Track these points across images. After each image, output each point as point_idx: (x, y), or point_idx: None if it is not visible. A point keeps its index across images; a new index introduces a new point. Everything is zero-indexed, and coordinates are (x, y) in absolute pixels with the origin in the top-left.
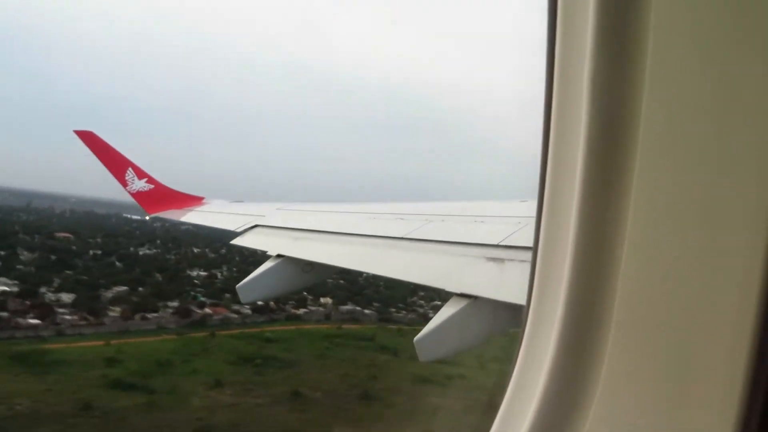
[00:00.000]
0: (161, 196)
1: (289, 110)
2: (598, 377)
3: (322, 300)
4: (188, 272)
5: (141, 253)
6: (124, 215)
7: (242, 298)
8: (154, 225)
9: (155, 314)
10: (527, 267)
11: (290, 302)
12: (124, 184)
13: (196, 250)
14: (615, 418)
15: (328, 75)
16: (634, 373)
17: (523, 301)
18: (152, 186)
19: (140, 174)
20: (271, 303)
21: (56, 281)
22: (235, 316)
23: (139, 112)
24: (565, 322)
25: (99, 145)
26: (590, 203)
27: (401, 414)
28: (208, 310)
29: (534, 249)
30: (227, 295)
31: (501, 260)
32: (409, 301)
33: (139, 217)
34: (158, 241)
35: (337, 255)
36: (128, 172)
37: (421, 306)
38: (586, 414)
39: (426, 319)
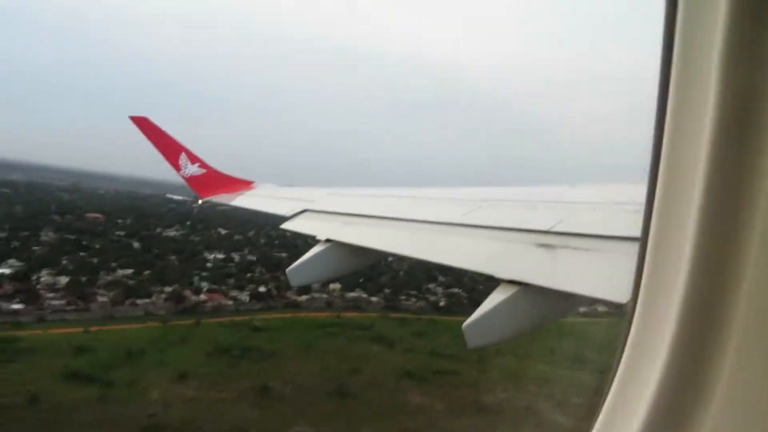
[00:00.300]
0: (213, 180)
1: (341, 94)
2: (717, 382)
3: (331, 286)
4: (205, 255)
5: (165, 234)
6: (167, 195)
7: (291, 281)
8: (192, 206)
9: (147, 300)
10: (578, 254)
11: (291, 289)
12: (178, 168)
13: (223, 232)
14: (736, 427)
15: (378, 58)
16: (760, 381)
17: (574, 289)
18: (204, 170)
19: (193, 159)
20: (273, 290)
21: (63, 263)
22: (231, 302)
23: (192, 97)
24: (683, 320)
25: (153, 130)
26: (715, 201)
27: (373, 413)
28: (203, 297)
29: (642, 245)
30: (231, 281)
31: (552, 246)
32: (424, 288)
33: (180, 198)
34: (188, 223)
35: (386, 240)
36: (181, 157)
37: (434, 293)
38: (703, 420)
39: (436, 308)
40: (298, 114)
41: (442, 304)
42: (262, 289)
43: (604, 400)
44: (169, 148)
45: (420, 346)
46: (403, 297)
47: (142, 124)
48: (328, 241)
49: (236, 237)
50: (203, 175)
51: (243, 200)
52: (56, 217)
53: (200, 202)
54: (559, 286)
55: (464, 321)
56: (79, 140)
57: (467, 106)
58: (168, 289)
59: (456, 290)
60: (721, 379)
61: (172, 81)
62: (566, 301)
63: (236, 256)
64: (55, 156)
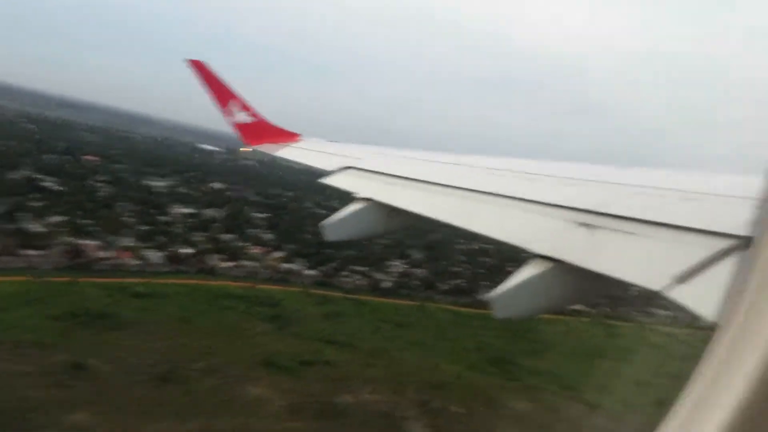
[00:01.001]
0: (260, 129)
1: (398, 59)
2: None
3: (274, 254)
4: (168, 208)
5: (147, 183)
6: (199, 145)
7: (326, 235)
8: (214, 157)
9: (40, 252)
10: (617, 236)
11: (222, 254)
12: (228, 114)
13: (215, 187)
14: None
15: (434, 25)
16: None
17: (608, 272)
18: (253, 119)
19: (243, 106)
20: (191, 255)
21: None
22: (139, 262)
23: (246, 49)
24: None
25: (208, 75)
26: None
27: (183, 406)
28: (105, 254)
29: (753, 250)
30: (162, 238)
31: (592, 226)
32: (382, 264)
33: (211, 148)
34: (190, 174)
35: (424, 204)
36: (232, 103)
37: (389, 272)
38: None
39: (377, 288)
40: (365, 77)
41: (387, 285)
42: (188, 250)
43: (682, 402)
44: (221, 93)
45: (318, 330)
46: (346, 273)
47: (199, 67)
48: (367, 200)
49: (227, 194)
50: (251, 123)
51: (288, 152)
52: (52, 156)
53: (247, 149)
54: (594, 267)
55: (402, 304)
56: (128, 81)
57: (537, 88)
58: (83, 242)
59: (419, 271)
60: None
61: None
62: (599, 282)
63: (208, 213)
64: (102, 94)
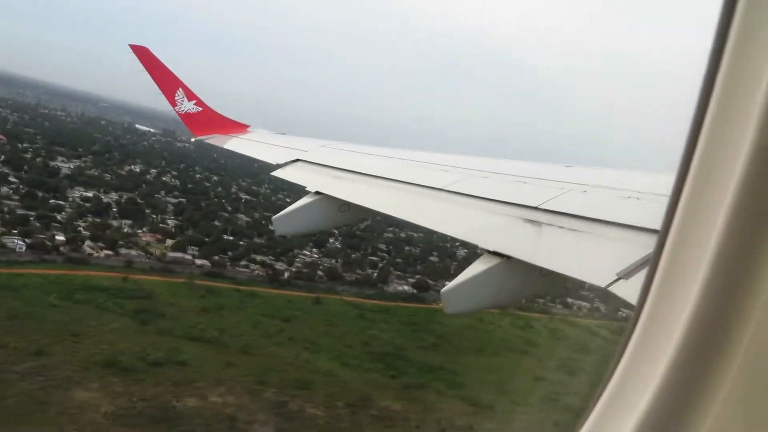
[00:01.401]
0: (208, 119)
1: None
2: (720, 389)
3: (166, 243)
4: (66, 193)
5: (53, 164)
6: (136, 125)
7: (277, 229)
8: (147, 138)
9: None
10: (565, 233)
11: (102, 242)
12: (173, 103)
13: (134, 170)
14: None
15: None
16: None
17: (556, 268)
18: (200, 109)
19: (190, 96)
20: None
21: None
22: None
23: (191, 34)
24: (694, 322)
25: (152, 61)
26: (748, 204)
27: None
28: None
29: (661, 239)
30: (37, 224)
31: (539, 223)
32: (290, 254)
33: (146, 129)
34: (104, 154)
35: (375, 199)
36: (178, 92)
37: (292, 263)
38: (699, 425)
39: (275, 280)
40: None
41: (285, 276)
42: (60, 237)
43: (598, 398)
44: (166, 81)
45: (189, 325)
46: (244, 263)
47: (142, 54)
48: (317, 193)
49: (147, 176)
50: (199, 113)
51: (236, 144)
52: None
53: (192, 140)
54: (541, 263)
55: (299, 296)
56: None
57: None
58: None
59: (330, 261)
60: (724, 386)
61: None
62: (547, 278)
63: (112, 197)
64: (39, 69)
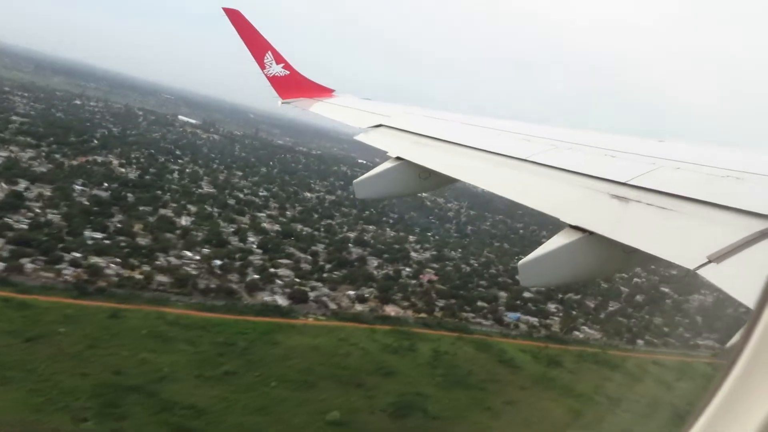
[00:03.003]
0: (295, 83)
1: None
2: None
3: None
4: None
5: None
6: (179, 117)
7: (357, 193)
8: (178, 130)
9: None
10: (653, 211)
11: None
12: (262, 66)
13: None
14: None
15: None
16: None
17: (640, 245)
18: (288, 72)
19: (278, 59)
20: None
21: None
22: None
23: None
24: None
25: (244, 24)
26: None
27: None
28: None
29: None
30: None
31: (626, 200)
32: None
33: (187, 120)
34: (83, 144)
35: (456, 166)
36: (267, 55)
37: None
38: None
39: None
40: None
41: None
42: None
43: (710, 399)
44: (256, 44)
45: None
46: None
47: (235, 17)
48: (398, 159)
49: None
50: (286, 76)
51: (320, 107)
52: None
53: (280, 103)
54: (625, 240)
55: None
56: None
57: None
58: None
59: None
60: None
61: None
62: (629, 256)
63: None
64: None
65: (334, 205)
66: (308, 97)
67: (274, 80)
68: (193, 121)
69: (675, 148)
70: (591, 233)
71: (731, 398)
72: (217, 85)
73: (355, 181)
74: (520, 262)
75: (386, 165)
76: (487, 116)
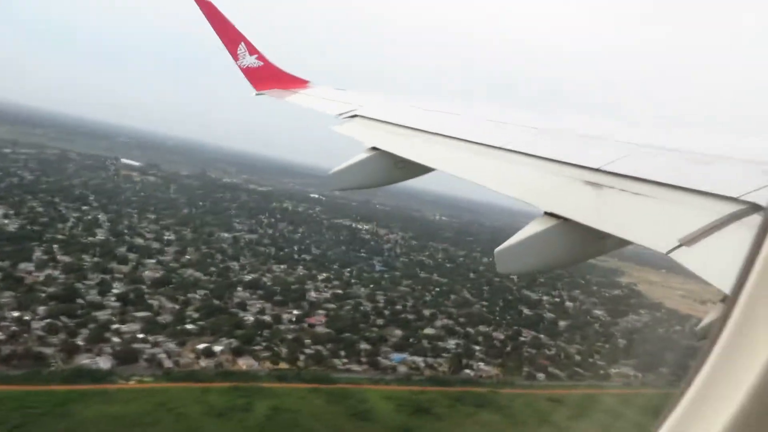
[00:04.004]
0: (269, 74)
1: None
2: None
3: None
4: None
5: None
6: (122, 160)
7: (333, 184)
8: (107, 172)
9: None
10: (626, 197)
11: None
12: (236, 57)
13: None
14: None
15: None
16: None
17: (615, 231)
18: (261, 63)
19: (252, 50)
20: None
21: None
22: None
23: None
24: None
25: (216, 15)
26: None
27: None
28: None
29: (760, 233)
30: None
31: (600, 186)
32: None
33: (131, 162)
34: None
35: (431, 155)
36: (240, 46)
37: None
38: None
39: None
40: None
41: None
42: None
43: (681, 396)
44: (229, 35)
45: None
46: None
47: (206, 7)
48: (374, 149)
49: None
50: (260, 67)
51: (296, 98)
52: None
53: (255, 94)
54: (599, 226)
55: None
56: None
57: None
58: None
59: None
60: None
61: None
62: (603, 241)
63: None
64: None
65: (250, 245)
66: (283, 88)
67: (247, 71)
68: (135, 163)
69: (648, 133)
70: (566, 220)
71: (711, 380)
72: (190, 126)
73: (330, 173)
74: (497, 249)
75: (362, 155)
76: (465, 102)
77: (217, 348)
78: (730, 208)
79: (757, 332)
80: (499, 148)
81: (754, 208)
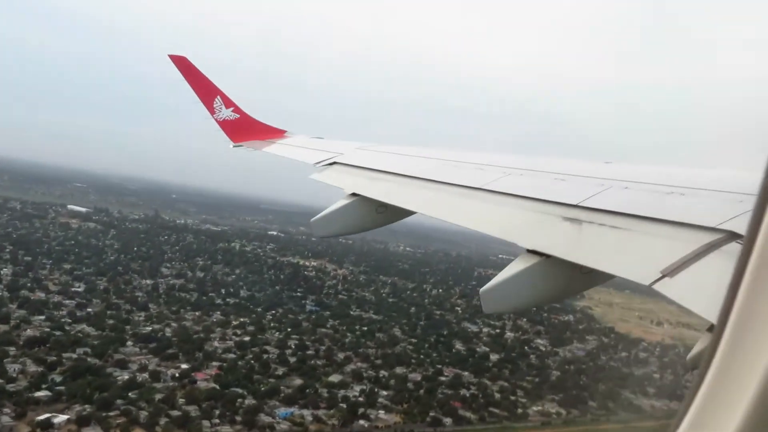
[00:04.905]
0: (246, 126)
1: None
2: None
3: None
4: None
5: None
6: (69, 207)
7: (315, 231)
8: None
9: None
10: (606, 231)
11: None
12: (212, 111)
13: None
14: None
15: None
16: None
17: (597, 265)
18: (238, 116)
19: (228, 103)
20: None
21: None
22: None
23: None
24: None
25: (191, 70)
26: None
27: None
28: None
29: (749, 242)
30: None
31: (579, 221)
32: None
33: (78, 209)
34: None
35: (411, 199)
36: (216, 100)
37: None
38: None
39: None
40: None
41: None
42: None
43: (691, 401)
44: (205, 89)
45: None
46: None
47: (181, 63)
48: (354, 195)
49: None
50: (237, 120)
51: (275, 148)
52: None
53: (232, 146)
54: (582, 261)
55: None
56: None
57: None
58: None
59: None
60: None
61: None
62: (587, 276)
63: None
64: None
65: (171, 292)
66: (260, 139)
67: (224, 124)
68: (82, 209)
69: (621, 169)
70: (548, 256)
71: (704, 410)
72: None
73: (312, 219)
74: (482, 289)
75: (342, 202)
76: (439, 147)
77: (62, 418)
78: (708, 238)
79: (745, 360)
80: (478, 189)
81: (732, 236)
